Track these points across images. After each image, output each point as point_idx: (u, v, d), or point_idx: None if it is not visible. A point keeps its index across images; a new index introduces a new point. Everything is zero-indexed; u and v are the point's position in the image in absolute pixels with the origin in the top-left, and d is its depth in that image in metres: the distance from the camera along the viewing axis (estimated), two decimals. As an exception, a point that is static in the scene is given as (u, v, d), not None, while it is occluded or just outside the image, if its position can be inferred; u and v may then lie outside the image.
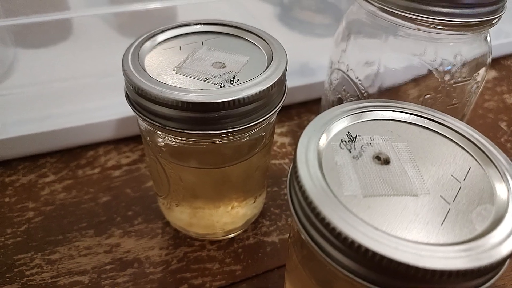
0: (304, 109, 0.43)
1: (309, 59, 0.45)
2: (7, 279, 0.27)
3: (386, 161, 0.18)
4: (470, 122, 0.44)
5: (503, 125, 0.42)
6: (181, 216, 0.29)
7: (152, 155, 0.25)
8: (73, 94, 0.38)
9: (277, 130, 0.40)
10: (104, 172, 0.35)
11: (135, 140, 0.38)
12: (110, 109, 0.37)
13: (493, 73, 0.51)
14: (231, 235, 0.30)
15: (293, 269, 0.22)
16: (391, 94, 0.29)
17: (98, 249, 0.29)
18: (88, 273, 0.27)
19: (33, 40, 0.42)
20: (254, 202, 0.29)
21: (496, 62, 0.53)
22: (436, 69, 0.27)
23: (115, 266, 0.28)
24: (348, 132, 0.19)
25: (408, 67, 0.28)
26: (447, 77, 0.27)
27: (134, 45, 0.24)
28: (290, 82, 0.42)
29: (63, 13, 0.40)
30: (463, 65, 0.27)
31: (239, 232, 0.30)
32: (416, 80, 0.28)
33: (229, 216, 0.28)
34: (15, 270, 0.27)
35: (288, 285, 0.24)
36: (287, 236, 0.30)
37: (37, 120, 0.35)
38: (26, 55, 0.42)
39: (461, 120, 0.30)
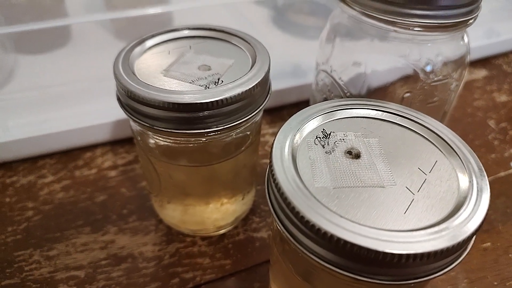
0: (296, 110, 0.42)
1: (301, 61, 0.46)
2: (7, 274, 0.28)
3: (357, 156, 0.19)
4: (458, 121, 0.45)
5: (491, 123, 0.43)
6: (174, 213, 0.30)
7: (143, 155, 0.27)
8: (71, 98, 0.39)
9: (269, 131, 0.41)
10: (101, 172, 0.36)
11: (131, 141, 0.39)
12: (106, 112, 0.38)
13: (483, 72, 0.52)
14: (222, 231, 0.31)
15: (275, 263, 0.23)
16: (376, 95, 0.30)
17: (94, 245, 0.30)
18: (84, 268, 0.29)
19: (33, 46, 0.44)
20: (242, 199, 0.30)
21: (487, 62, 0.53)
22: (422, 69, 0.28)
23: (110, 261, 0.29)
24: (323, 129, 0.20)
25: (394, 68, 0.29)
26: (428, 76, 0.28)
27: (125, 50, 0.25)
28: (283, 83, 0.44)
29: (62, 20, 0.41)
30: (444, 64, 0.28)
31: (229, 228, 0.31)
32: (400, 81, 0.29)
33: (219, 213, 0.30)
34: (14, 265, 0.29)
35: (272, 278, 0.25)
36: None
37: (36, 123, 0.37)
38: (26, 61, 0.43)
39: (443, 117, 0.31)
